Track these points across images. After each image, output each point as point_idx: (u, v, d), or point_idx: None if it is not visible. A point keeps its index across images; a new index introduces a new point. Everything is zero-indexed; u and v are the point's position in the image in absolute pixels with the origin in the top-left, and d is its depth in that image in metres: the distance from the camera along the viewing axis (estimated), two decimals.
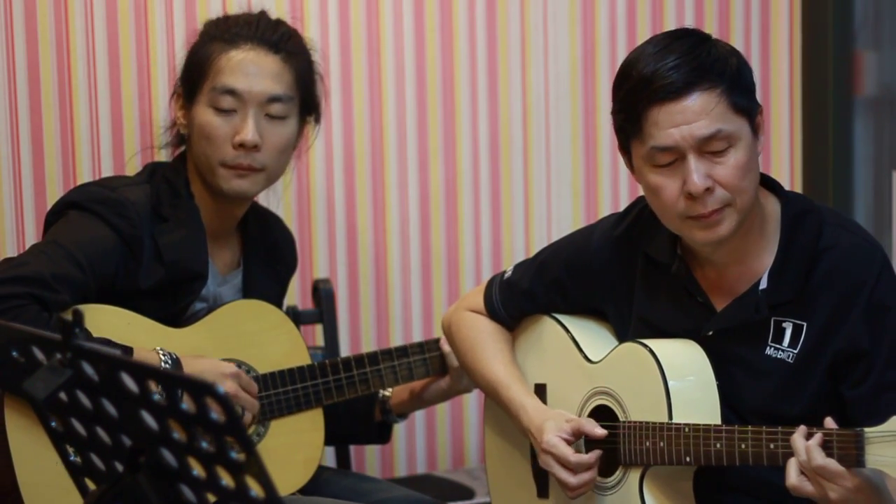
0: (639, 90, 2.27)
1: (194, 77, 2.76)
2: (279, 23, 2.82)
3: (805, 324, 2.34)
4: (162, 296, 2.70)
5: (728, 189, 2.28)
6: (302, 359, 2.82)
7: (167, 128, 2.91)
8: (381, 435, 3.04)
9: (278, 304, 2.94)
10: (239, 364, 2.75)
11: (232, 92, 2.72)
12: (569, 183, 3.57)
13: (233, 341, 2.76)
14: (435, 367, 2.93)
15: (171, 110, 2.87)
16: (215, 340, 2.74)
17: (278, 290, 2.97)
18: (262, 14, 2.83)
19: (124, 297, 2.66)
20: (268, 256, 2.92)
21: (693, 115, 2.25)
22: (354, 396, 2.86)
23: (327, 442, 2.97)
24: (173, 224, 2.72)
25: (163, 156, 3.04)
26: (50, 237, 2.66)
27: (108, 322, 2.61)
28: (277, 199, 3.29)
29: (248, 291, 2.86)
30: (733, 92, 2.27)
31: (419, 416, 3.48)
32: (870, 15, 3.74)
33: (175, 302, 2.72)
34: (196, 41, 2.81)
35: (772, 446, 2.22)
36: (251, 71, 2.73)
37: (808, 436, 2.16)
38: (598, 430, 2.45)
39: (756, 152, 2.32)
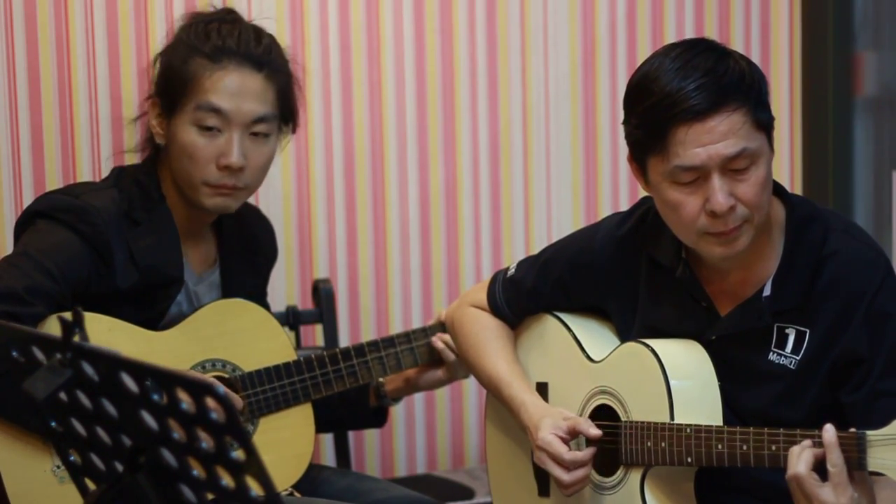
0: (664, 108, 2.24)
1: (176, 91, 2.72)
2: (259, 33, 2.78)
3: (808, 330, 2.34)
4: (139, 301, 2.70)
5: (748, 206, 2.27)
6: (287, 355, 2.82)
7: (134, 122, 2.88)
8: (378, 419, 3.05)
9: (260, 297, 2.94)
10: (224, 364, 2.75)
11: (217, 111, 2.69)
12: (569, 183, 3.56)
13: (216, 341, 2.75)
14: (423, 356, 2.92)
15: (139, 109, 2.85)
16: (198, 341, 2.73)
17: (258, 282, 2.96)
18: (240, 21, 2.78)
19: (101, 303, 2.65)
20: (245, 250, 2.91)
21: (720, 135, 2.22)
22: (343, 389, 2.86)
23: (325, 429, 2.97)
24: (146, 228, 2.71)
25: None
26: (19, 248, 2.65)
27: (88, 329, 2.58)
28: (279, 200, 3.29)
29: (226, 287, 2.86)
30: (757, 109, 2.25)
31: (419, 415, 3.48)
32: (870, 16, 3.73)
33: (152, 306, 2.72)
34: (173, 47, 2.77)
35: (773, 448, 2.22)
36: (237, 91, 2.70)
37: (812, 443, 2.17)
38: (593, 431, 2.45)
39: (771, 165, 2.31)
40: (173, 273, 2.73)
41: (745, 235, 2.30)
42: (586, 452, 2.44)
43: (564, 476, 2.44)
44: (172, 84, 2.74)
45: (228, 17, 2.81)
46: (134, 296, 2.69)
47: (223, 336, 2.76)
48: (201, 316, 2.75)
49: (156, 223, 2.72)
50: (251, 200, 3.06)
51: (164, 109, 2.75)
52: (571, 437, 2.46)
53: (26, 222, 2.70)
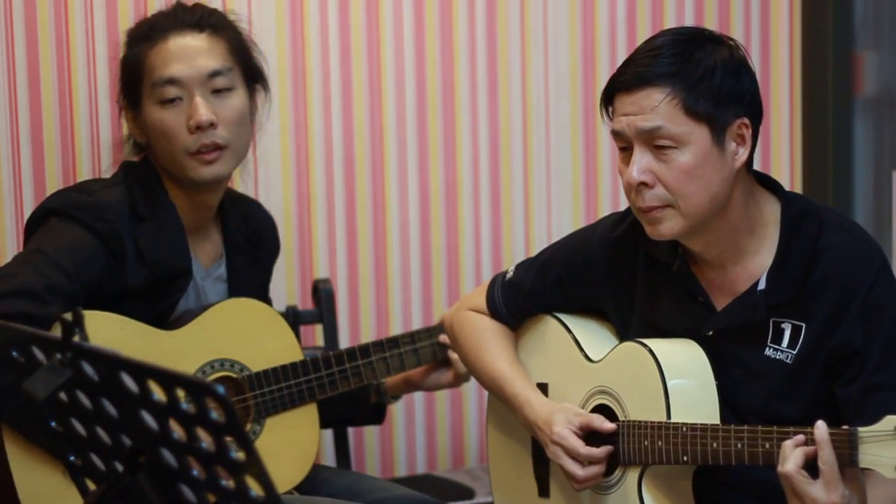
0: (615, 74, 2.36)
1: (132, 82, 2.77)
2: (197, 6, 2.82)
3: (804, 325, 2.35)
4: (149, 296, 2.71)
5: (668, 190, 2.30)
6: (294, 355, 2.83)
7: (125, 140, 2.91)
8: (377, 416, 3.07)
9: (264, 291, 2.96)
10: (232, 363, 2.76)
11: (172, 80, 2.72)
12: (569, 183, 3.57)
13: (224, 341, 2.76)
14: (426, 356, 2.95)
15: (123, 125, 2.88)
16: (207, 341, 2.74)
17: (263, 277, 2.98)
18: (178, 4, 2.84)
19: (112, 301, 2.65)
20: (250, 244, 2.92)
21: (639, 108, 2.30)
22: (348, 390, 2.88)
23: (324, 426, 2.98)
24: (151, 223, 2.72)
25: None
26: (33, 246, 2.65)
27: (99, 327, 2.60)
28: (279, 200, 3.29)
29: (232, 282, 2.87)
30: (690, 96, 2.28)
31: (419, 415, 3.48)
32: (870, 15, 3.74)
33: (162, 301, 2.73)
34: (124, 51, 2.82)
35: (767, 446, 2.23)
36: (183, 54, 2.73)
37: (803, 441, 2.17)
38: (607, 425, 2.45)
39: (718, 162, 2.30)
40: (181, 265, 2.74)
41: (669, 221, 2.32)
42: (602, 449, 2.44)
43: (579, 471, 2.44)
44: (128, 79, 2.78)
45: (167, 6, 2.85)
46: (144, 292, 2.69)
47: (232, 336, 2.77)
48: (211, 315, 2.76)
49: (160, 218, 2.73)
50: (245, 193, 3.07)
51: (131, 107, 2.78)
52: (584, 432, 2.47)
53: (39, 220, 2.70)
